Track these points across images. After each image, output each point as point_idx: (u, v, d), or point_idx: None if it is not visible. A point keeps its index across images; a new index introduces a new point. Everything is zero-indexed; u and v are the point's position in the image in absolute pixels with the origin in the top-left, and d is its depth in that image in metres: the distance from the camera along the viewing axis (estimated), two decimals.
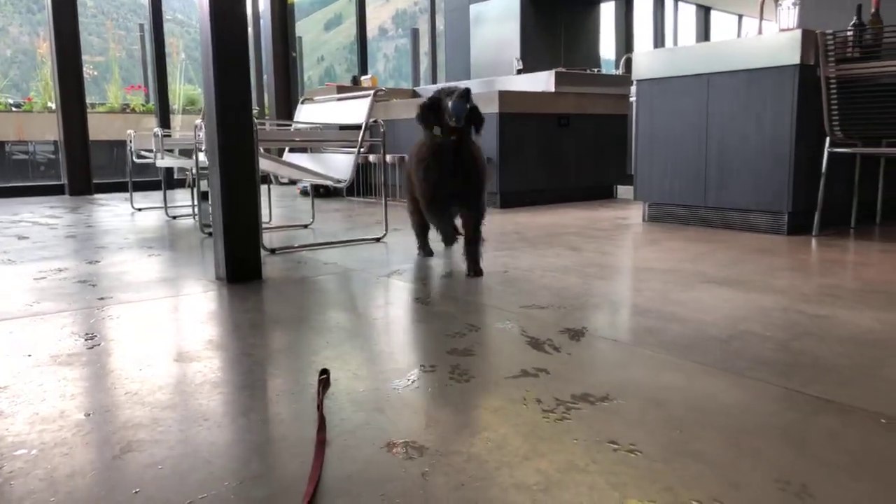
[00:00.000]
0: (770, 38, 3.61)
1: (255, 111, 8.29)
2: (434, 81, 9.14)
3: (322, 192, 6.43)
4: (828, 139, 3.55)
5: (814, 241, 3.43)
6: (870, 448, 1.17)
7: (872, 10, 3.79)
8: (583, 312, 2.11)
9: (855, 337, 1.80)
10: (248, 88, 2.63)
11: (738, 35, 11.74)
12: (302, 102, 4.15)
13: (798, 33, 3.47)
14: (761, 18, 4.16)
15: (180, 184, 7.75)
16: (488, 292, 2.42)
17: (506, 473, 1.09)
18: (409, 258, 3.15)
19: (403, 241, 3.63)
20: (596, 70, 6.93)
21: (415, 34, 9.69)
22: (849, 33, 3.67)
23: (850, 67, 3.52)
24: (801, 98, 3.51)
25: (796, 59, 3.46)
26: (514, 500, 1.01)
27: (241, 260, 2.65)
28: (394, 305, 2.27)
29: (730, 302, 2.21)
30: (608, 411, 1.34)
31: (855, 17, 3.74)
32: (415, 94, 7.24)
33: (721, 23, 12.18)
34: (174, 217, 4.86)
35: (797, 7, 4.07)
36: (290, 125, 4.31)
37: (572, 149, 5.63)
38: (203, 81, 2.62)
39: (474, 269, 2.69)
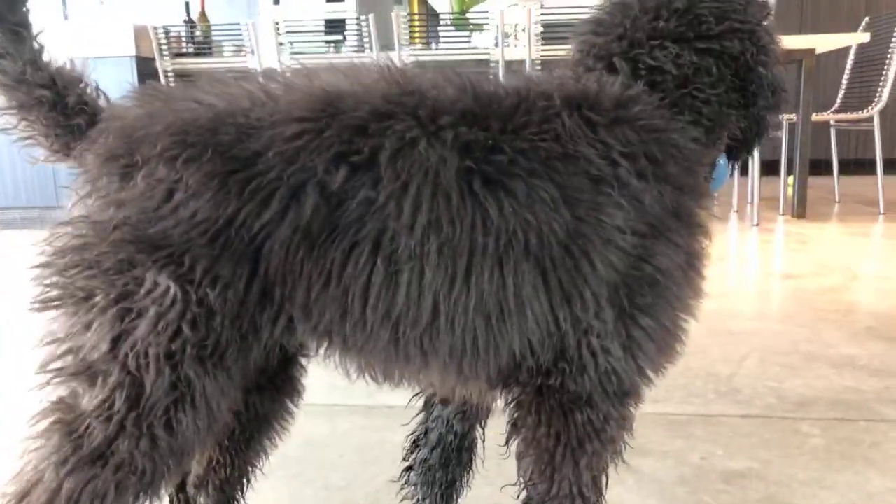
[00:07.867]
0: (109, 29, 3.54)
1: None
2: None
3: None
4: None
5: None
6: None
7: (200, 8, 4.11)
8: None
9: None
10: None
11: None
12: None
13: (131, 27, 3.51)
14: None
15: None
16: None
17: None
18: None
19: None
20: None
21: None
22: (181, 30, 3.90)
23: (186, 63, 3.73)
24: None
25: (133, 52, 3.51)
26: None
27: None
28: None
29: None
30: None
31: (185, 14, 4.00)
32: None
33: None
34: None
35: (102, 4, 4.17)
36: None
37: None
38: None
39: None
